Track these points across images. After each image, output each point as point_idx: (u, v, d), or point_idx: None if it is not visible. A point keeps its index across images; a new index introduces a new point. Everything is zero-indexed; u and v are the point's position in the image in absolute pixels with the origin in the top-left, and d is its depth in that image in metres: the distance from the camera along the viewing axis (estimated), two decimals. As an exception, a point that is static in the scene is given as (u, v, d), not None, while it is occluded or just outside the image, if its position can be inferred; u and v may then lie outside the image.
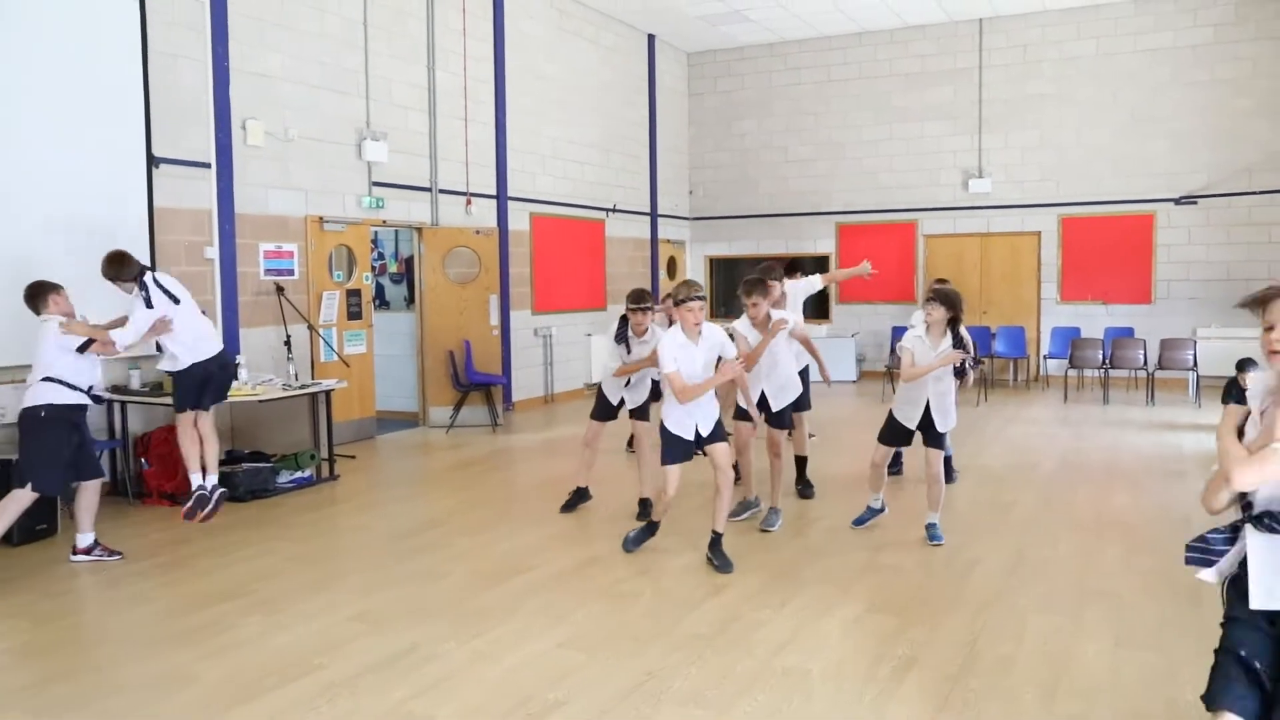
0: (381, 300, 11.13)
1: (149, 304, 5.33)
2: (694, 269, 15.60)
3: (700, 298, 4.73)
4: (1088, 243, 12.86)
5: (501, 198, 10.92)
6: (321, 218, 8.62)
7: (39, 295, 5.07)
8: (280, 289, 7.98)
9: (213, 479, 5.70)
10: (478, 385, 9.80)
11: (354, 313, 8.98)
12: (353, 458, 8.09)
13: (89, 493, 5.18)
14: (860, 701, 3.36)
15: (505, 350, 10.68)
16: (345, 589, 4.69)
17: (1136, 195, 12.59)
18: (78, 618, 4.38)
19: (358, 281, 9.13)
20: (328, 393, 7.33)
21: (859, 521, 5.66)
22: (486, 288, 10.18)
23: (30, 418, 4.93)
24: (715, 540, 4.98)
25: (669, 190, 14.69)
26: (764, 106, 14.69)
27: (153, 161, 7.11)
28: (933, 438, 5.35)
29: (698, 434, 4.86)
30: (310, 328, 8.28)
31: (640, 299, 5.72)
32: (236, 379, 6.34)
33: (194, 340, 5.56)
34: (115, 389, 6.70)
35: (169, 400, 6.46)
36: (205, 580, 4.87)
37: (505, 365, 10.67)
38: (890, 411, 5.50)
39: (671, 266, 15.10)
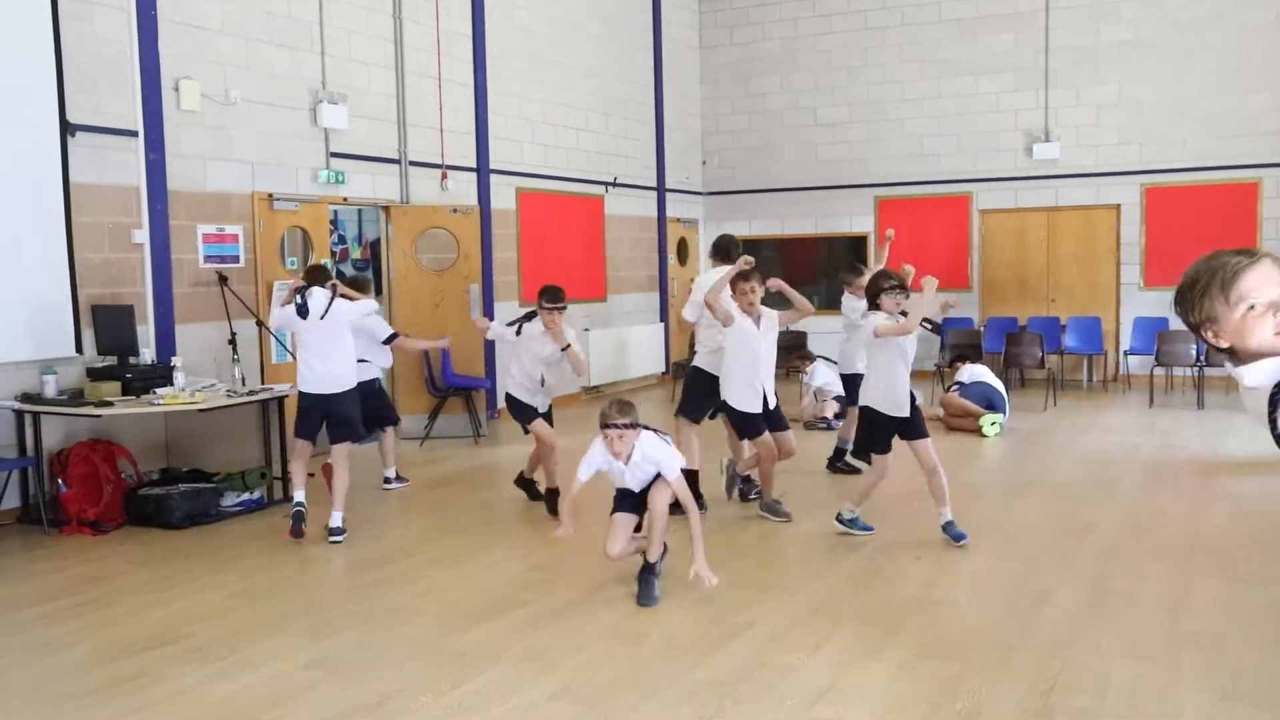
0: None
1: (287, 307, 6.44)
2: (708, 252, 15.50)
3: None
4: (1177, 217, 12.78)
5: (482, 171, 10.91)
6: (271, 195, 8.60)
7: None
8: (223, 279, 7.97)
9: (337, 516, 6.27)
10: (457, 390, 9.80)
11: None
12: (310, 476, 7.89)
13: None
14: (912, 763, 3.30)
15: (489, 349, 10.52)
16: (299, 631, 4.67)
17: (1235, 159, 12.52)
18: (-18, 667, 4.34)
19: None
20: (280, 400, 7.31)
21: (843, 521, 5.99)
22: (466, 276, 10.17)
23: None
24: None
25: (679, 161, 14.68)
26: (789, 61, 14.65)
27: (67, 129, 7.08)
28: (917, 426, 5.81)
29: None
30: (259, 324, 8.27)
31: (556, 297, 6.46)
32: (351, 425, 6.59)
33: (306, 368, 6.38)
34: (26, 397, 6.68)
35: (91, 410, 6.45)
36: (133, 622, 4.84)
37: (489, 366, 10.60)
38: (866, 411, 5.87)
39: (682, 249, 15.09)
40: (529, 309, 6.72)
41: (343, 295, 6.54)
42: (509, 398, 6.72)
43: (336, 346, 6.41)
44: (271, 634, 4.61)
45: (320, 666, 4.22)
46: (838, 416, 10.16)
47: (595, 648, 4.39)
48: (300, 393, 6.44)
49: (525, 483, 7.13)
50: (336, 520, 6.26)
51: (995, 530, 6.13)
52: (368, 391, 7.07)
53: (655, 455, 5.01)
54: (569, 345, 6.45)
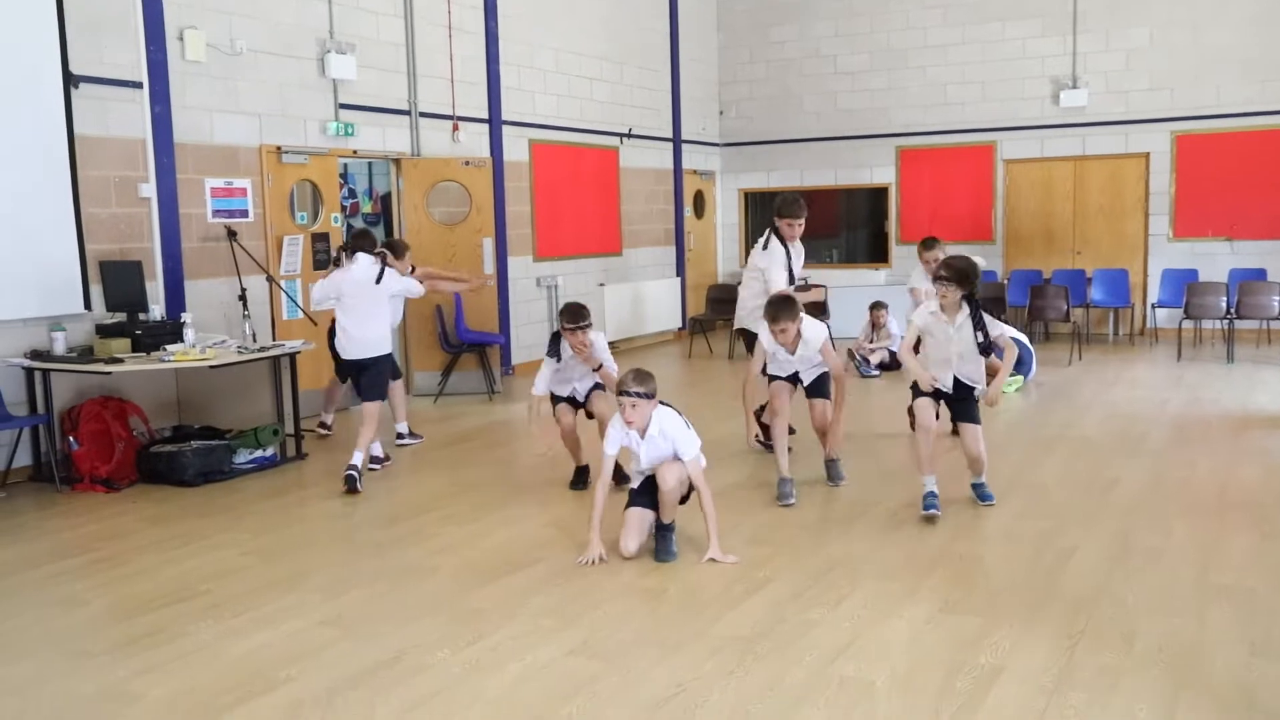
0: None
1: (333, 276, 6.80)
2: (725, 205, 15.47)
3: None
4: (1209, 166, 12.58)
5: (495, 122, 10.84)
6: (279, 148, 8.56)
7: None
8: (232, 233, 7.95)
9: (357, 455, 6.52)
10: (471, 346, 9.80)
11: (321, 261, 8.95)
12: (326, 433, 8.12)
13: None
14: (935, 719, 3.30)
15: (503, 304, 10.66)
16: (315, 588, 4.69)
17: (1270, 105, 12.28)
18: (-2, 624, 4.38)
19: (325, 224, 9.10)
20: (292, 356, 7.33)
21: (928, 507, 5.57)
22: (479, 230, 10.14)
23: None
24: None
25: (695, 111, 14.54)
26: (808, 8, 14.44)
27: (71, 80, 7.04)
28: (966, 411, 5.62)
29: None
30: (269, 279, 8.27)
31: (577, 317, 6.05)
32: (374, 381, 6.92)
33: (344, 335, 6.80)
34: (35, 354, 6.70)
35: (100, 368, 6.48)
36: (148, 579, 4.87)
37: (503, 322, 10.65)
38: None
39: (699, 202, 15.01)
40: (555, 330, 6.30)
41: (390, 265, 6.88)
42: (553, 396, 6.39)
43: (378, 313, 6.78)
44: (287, 591, 4.64)
45: (336, 624, 4.24)
46: (880, 365, 10.36)
47: (614, 604, 4.40)
48: (340, 358, 6.98)
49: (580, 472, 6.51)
50: (356, 459, 6.46)
51: (1020, 485, 6.11)
52: None
53: (672, 432, 5.00)
54: (601, 365, 6.11)
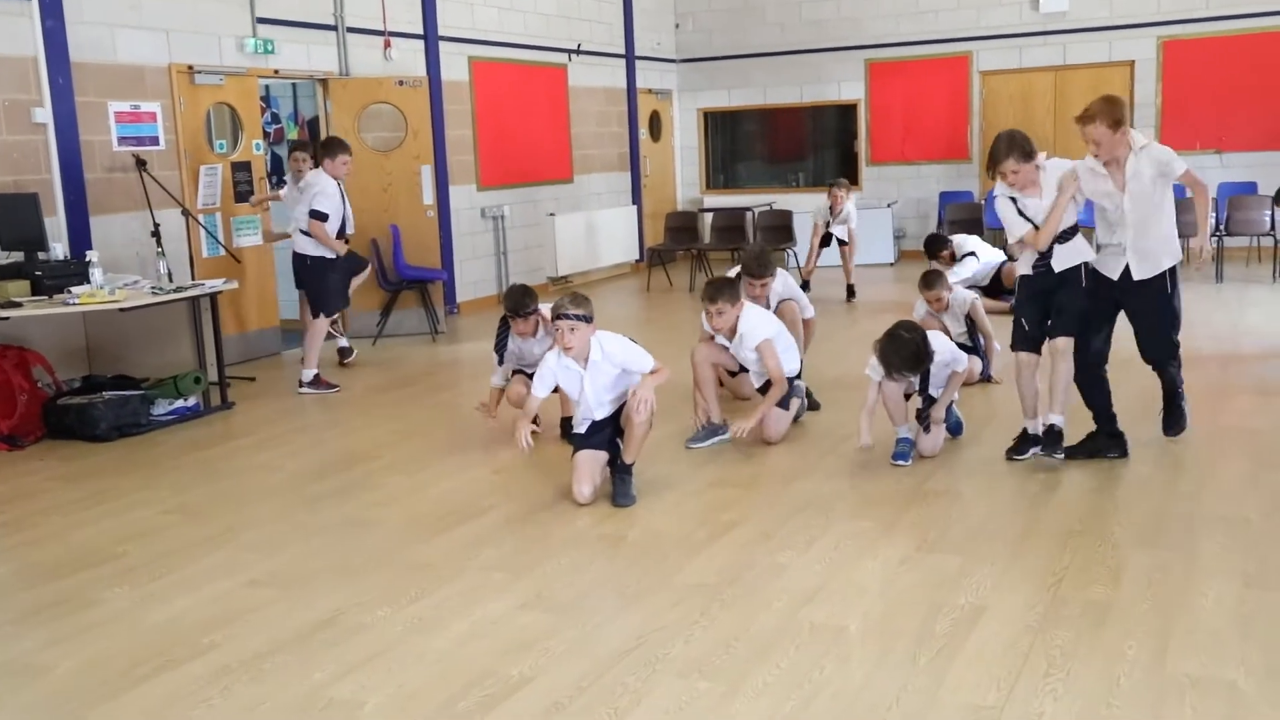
0: (280, 176, 10.92)
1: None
2: (683, 126, 15.31)
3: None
4: (1197, 74, 12.59)
5: (431, 38, 10.62)
6: (191, 67, 8.32)
7: None
8: (141, 163, 7.72)
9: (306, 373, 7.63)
10: (411, 283, 9.71)
11: (243, 192, 8.82)
12: (252, 380, 8.04)
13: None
14: (913, 664, 3.32)
15: (445, 237, 10.57)
16: (244, 547, 4.63)
17: (1262, 5, 12.28)
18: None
19: (246, 152, 8.93)
20: (213, 297, 7.20)
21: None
22: (416, 157, 10.03)
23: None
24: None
25: (649, 24, 14.31)
26: (771, -94, 14.18)
27: (-48, -6, 6.74)
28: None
29: None
30: (186, 213, 8.09)
31: (520, 306, 5.81)
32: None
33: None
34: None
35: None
36: (58, 544, 4.78)
37: (445, 256, 10.55)
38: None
39: (655, 123, 14.87)
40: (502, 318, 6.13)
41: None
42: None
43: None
44: (212, 551, 4.57)
45: (267, 584, 4.19)
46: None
47: (569, 553, 4.39)
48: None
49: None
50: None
51: (1000, 416, 6.11)
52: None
53: (617, 352, 4.94)
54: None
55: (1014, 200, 5.19)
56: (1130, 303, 5.22)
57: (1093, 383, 5.26)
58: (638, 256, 13.97)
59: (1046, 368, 5.24)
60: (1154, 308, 5.23)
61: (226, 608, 3.96)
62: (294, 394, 7.61)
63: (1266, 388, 6.64)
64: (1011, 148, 5.10)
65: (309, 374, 7.66)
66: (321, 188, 7.56)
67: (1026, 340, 5.28)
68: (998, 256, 9.57)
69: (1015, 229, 5.21)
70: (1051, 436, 5.21)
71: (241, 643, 3.65)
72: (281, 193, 8.81)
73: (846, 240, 11.03)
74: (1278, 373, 6.97)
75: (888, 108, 14.11)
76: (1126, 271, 5.14)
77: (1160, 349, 5.36)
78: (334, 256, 7.72)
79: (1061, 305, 5.18)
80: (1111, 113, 4.99)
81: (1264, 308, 9.39)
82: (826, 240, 11.14)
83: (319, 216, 7.54)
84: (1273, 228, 11.11)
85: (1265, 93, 12.35)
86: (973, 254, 9.56)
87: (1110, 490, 4.87)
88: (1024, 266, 5.29)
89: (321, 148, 7.85)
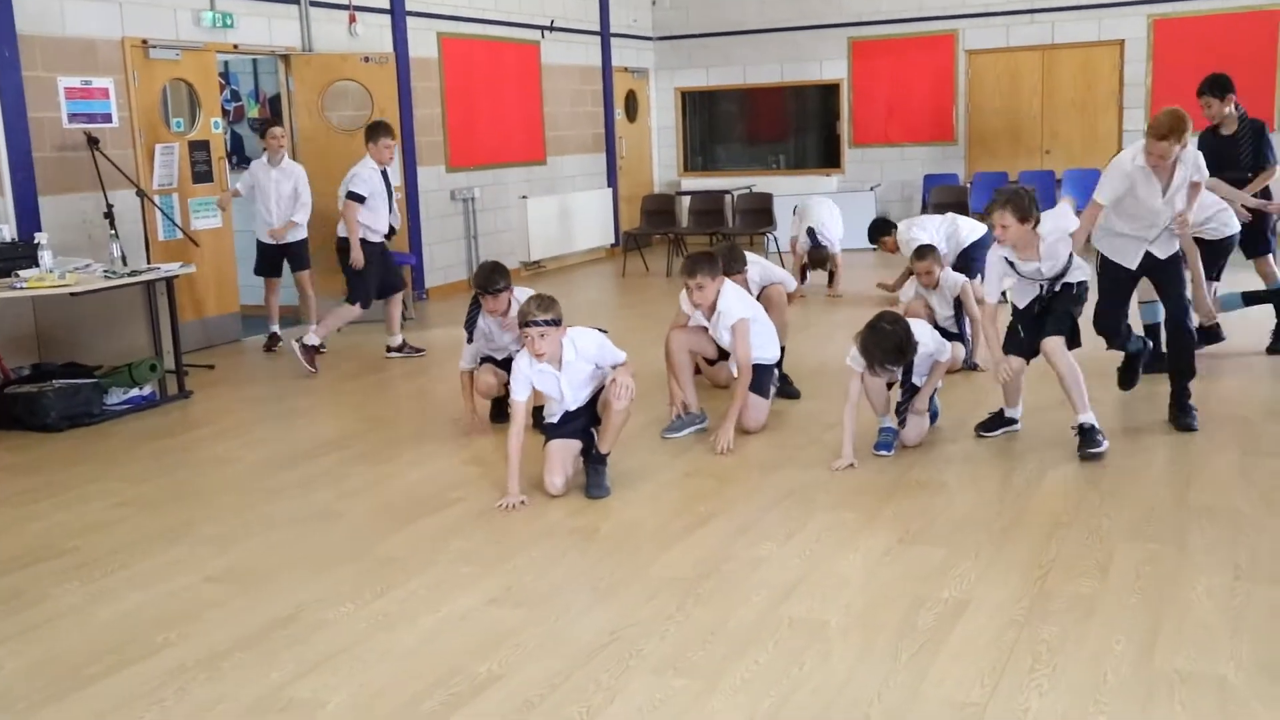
0: (241, 156, 10.88)
1: None
2: (660, 106, 15.26)
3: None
4: (1189, 53, 12.60)
5: (398, 12, 10.55)
6: (145, 41, 8.23)
7: None
8: (93, 141, 7.63)
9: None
10: (376, 268, 9.59)
11: (201, 173, 8.76)
12: (211, 367, 7.99)
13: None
14: (895, 659, 3.31)
15: (413, 220, 10.53)
16: (202, 541, 4.59)
17: (1252, -16, 12.34)
18: None
19: (204, 130, 8.86)
20: (169, 281, 7.12)
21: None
22: None
23: None
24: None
25: (625, 1, 14.25)
26: (751, -121, 14.14)
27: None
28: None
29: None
30: (141, 194, 8.01)
31: (490, 282, 5.71)
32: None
33: None
34: None
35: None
36: (6, 538, 4.72)
37: (414, 240, 10.50)
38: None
39: (631, 103, 14.83)
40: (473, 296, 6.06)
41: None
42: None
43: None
44: (168, 545, 4.52)
45: (225, 579, 4.15)
46: None
47: (541, 546, 4.37)
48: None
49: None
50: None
51: (984, 407, 6.11)
52: None
53: (590, 349, 4.92)
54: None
55: (1011, 264, 5.25)
56: (1155, 275, 5.64)
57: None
58: (613, 241, 13.93)
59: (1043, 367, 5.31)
60: (1178, 271, 5.63)
61: (182, 604, 3.92)
62: (257, 379, 7.54)
63: (1253, 375, 6.67)
64: (1008, 202, 5.08)
65: (312, 339, 7.74)
66: (358, 171, 7.83)
67: (1019, 346, 5.36)
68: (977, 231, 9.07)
69: (990, 290, 5.36)
70: (1085, 435, 5.17)
71: (198, 641, 3.61)
72: (239, 185, 8.72)
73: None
74: (1266, 361, 7.00)
75: (871, 88, 14.11)
76: (1147, 256, 5.54)
77: (1182, 303, 5.66)
78: (375, 240, 7.94)
79: (1053, 307, 5.27)
80: (1180, 130, 5.21)
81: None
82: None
83: (355, 198, 7.76)
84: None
85: (1257, 72, 12.41)
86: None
87: (1097, 481, 4.88)
88: (1021, 299, 5.41)
89: (366, 132, 8.10)
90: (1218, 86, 7.07)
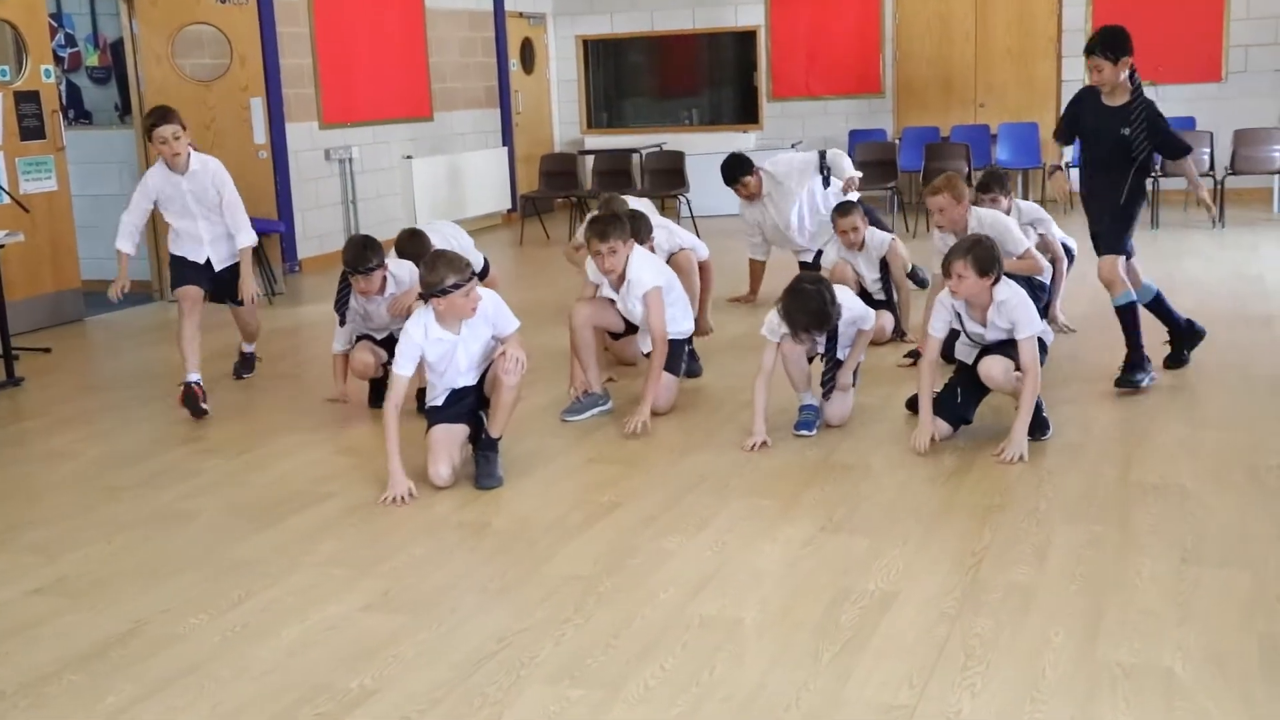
0: (79, 110, 10.64)
1: None
2: (560, 57, 15.18)
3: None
4: (1130, -1, 12.88)
5: (258, -55, 10.26)
6: (-39, -23, 7.89)
7: None
8: (-100, 92, 7.31)
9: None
10: (239, 236, 9.41)
11: (31, 129, 8.55)
12: (46, 351, 7.84)
13: None
14: (816, 660, 3.32)
15: (282, 183, 10.40)
16: (27, 548, 4.47)
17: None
18: None
19: (34, 79, 8.63)
20: (-7, 252, 6.87)
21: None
22: (244, 88, 9.92)
23: None
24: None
25: (519, -65, 14.12)
26: None
27: None
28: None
29: None
30: (-40, 155, 7.70)
31: (360, 260, 5.65)
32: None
33: None
34: None
35: None
36: None
37: (283, 206, 10.39)
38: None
39: (527, 53, 14.81)
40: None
41: None
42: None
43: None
44: (-10, 553, 4.40)
45: (55, 592, 4.04)
46: None
47: (424, 544, 4.34)
48: None
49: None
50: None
51: (910, 380, 6.15)
52: None
53: (492, 310, 4.87)
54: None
55: (959, 315, 5.14)
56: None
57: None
58: (509, 206, 13.86)
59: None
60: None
61: (3, 622, 3.80)
62: (100, 364, 7.30)
63: (1205, 342, 6.80)
64: (969, 251, 4.93)
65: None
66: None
67: (953, 411, 5.21)
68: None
69: (935, 325, 5.20)
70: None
71: (20, 662, 3.51)
72: (122, 244, 6.42)
73: None
74: (1219, 325, 7.14)
75: (791, 35, 14.18)
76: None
77: None
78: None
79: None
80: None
81: (1202, 254, 9.75)
82: None
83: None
84: (1211, 167, 11.49)
85: (1201, 21, 12.72)
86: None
87: (1035, 460, 4.93)
88: (966, 355, 5.30)
89: None
90: (1112, 45, 5.86)
